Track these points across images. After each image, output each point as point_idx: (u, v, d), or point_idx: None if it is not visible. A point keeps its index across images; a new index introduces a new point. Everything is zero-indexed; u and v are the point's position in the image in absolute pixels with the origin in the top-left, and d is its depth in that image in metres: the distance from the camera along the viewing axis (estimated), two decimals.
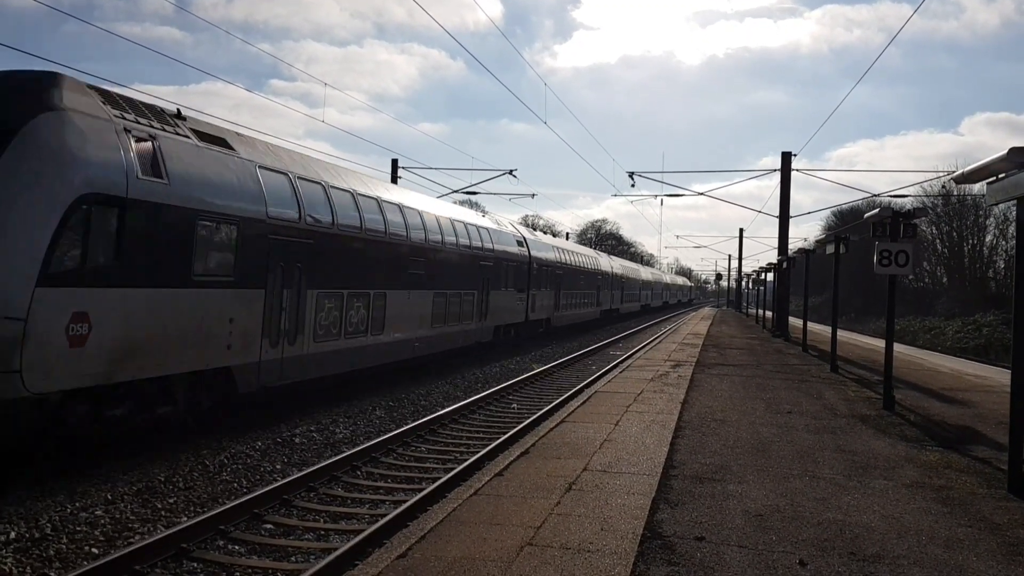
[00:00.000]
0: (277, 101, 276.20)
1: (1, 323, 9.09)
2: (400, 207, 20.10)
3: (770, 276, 46.01)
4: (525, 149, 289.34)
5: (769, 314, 46.69)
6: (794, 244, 44.83)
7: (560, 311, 38.39)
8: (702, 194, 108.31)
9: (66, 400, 10.12)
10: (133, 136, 10.97)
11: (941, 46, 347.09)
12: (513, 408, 17.73)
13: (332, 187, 16.49)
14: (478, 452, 12.59)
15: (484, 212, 33.37)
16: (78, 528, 8.56)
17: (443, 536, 6.54)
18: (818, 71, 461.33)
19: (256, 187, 13.55)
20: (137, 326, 10.83)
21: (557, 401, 17.52)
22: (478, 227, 26.85)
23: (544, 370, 24.19)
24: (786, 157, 35.64)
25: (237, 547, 8.43)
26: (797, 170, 35.96)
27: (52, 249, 9.55)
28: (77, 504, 9.21)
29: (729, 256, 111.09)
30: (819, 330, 40.93)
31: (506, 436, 13.63)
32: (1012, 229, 56.65)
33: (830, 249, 20.17)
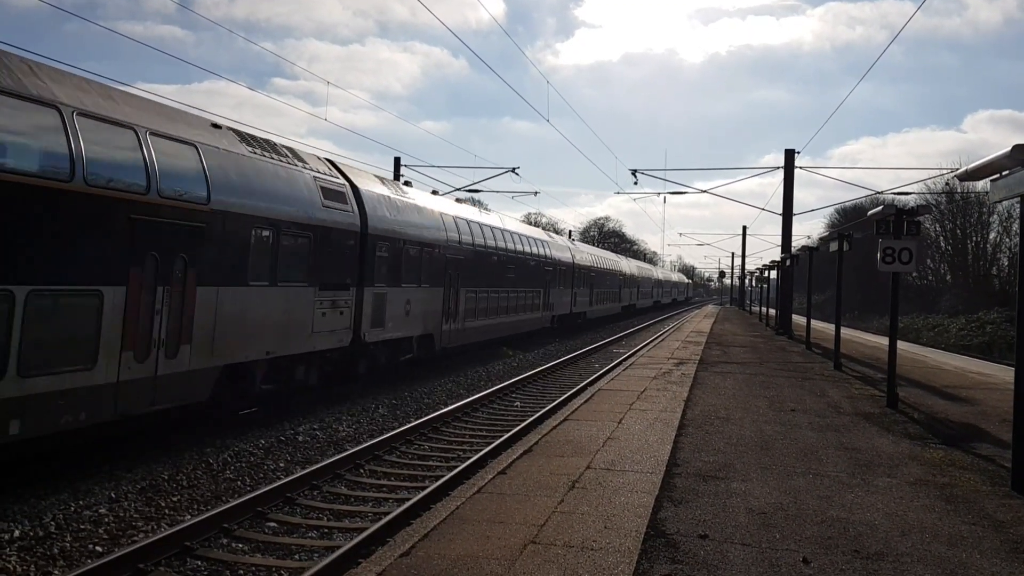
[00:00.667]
0: (280, 100, 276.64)
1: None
2: (508, 232, 30.15)
3: (773, 274, 45.94)
4: (527, 147, 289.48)
5: (772, 312, 46.64)
6: (797, 242, 44.79)
7: (593, 305, 46.44)
8: (705, 191, 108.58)
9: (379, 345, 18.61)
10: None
11: (944, 43, 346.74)
12: (516, 406, 17.73)
13: (476, 222, 26.42)
14: (481, 450, 12.59)
15: (563, 231, 43.41)
16: (82, 526, 8.58)
17: (446, 534, 6.54)
18: (820, 68, 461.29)
19: (454, 230, 23.66)
20: (400, 309, 19.50)
21: (560, 399, 17.52)
22: (543, 241, 36.23)
23: (547, 368, 24.20)
24: (789, 155, 35.56)
25: (241, 545, 8.44)
26: (800, 167, 35.89)
27: None
28: (81, 502, 9.23)
29: (732, 254, 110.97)
30: (822, 328, 40.87)
31: (509, 434, 13.64)
32: (1016, 226, 56.53)
33: (834, 247, 20.15)
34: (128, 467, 10.81)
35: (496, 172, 38.68)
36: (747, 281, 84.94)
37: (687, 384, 16.47)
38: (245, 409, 14.32)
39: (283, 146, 15.66)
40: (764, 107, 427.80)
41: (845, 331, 26.91)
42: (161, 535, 8.05)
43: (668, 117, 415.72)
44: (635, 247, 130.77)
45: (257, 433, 13.26)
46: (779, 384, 17.27)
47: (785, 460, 9.65)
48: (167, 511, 9.38)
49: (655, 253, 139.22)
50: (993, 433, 12.02)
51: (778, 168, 36.54)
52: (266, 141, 15.04)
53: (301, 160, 15.79)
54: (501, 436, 13.64)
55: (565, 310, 38.83)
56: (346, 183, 17.39)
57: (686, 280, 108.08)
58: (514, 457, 9.46)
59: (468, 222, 25.38)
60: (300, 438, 13.24)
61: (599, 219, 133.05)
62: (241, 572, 7.72)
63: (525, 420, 15.10)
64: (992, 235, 66.12)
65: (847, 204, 70.81)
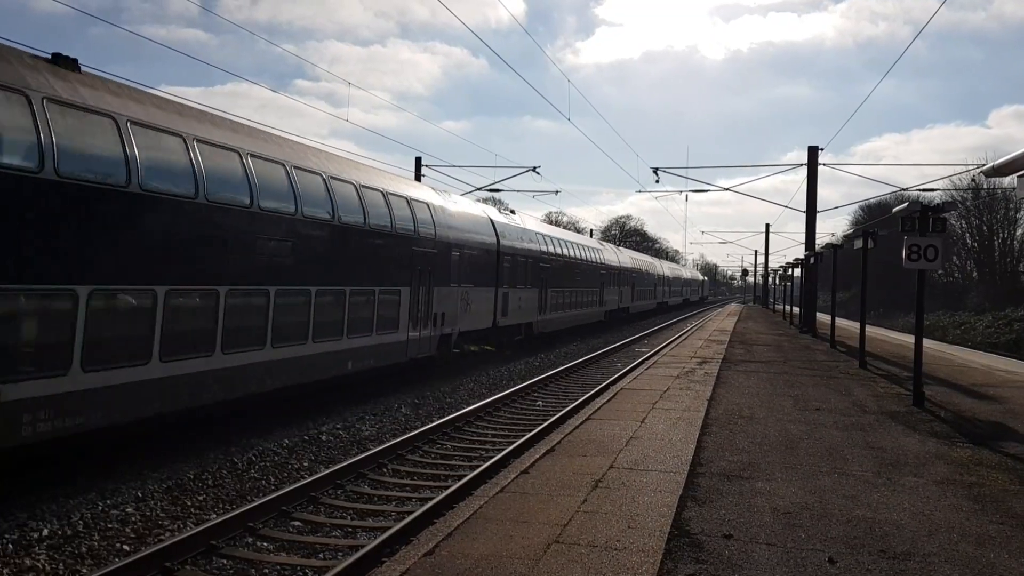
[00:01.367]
0: (302, 101, 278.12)
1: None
2: (575, 243, 38.92)
3: (797, 272, 45.58)
4: (548, 146, 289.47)
5: (796, 310, 46.30)
6: (821, 239, 44.48)
7: (634, 301, 54.63)
8: (727, 189, 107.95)
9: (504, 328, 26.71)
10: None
11: (968, 38, 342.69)
12: (538, 405, 17.73)
13: (557, 238, 35.25)
14: (504, 449, 12.61)
15: (584, 230, 56.17)
16: (109, 525, 8.67)
17: (469, 533, 6.54)
18: (842, 65, 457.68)
19: (544, 244, 31.78)
20: (517, 304, 27.43)
21: (582, 399, 17.50)
22: (596, 248, 44.53)
23: (568, 367, 24.17)
24: (813, 152, 35.29)
25: (265, 544, 8.50)
26: (824, 164, 35.66)
27: None
28: (108, 502, 9.32)
29: (756, 252, 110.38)
30: (847, 326, 40.54)
31: (532, 433, 13.63)
32: None
33: (858, 244, 19.97)
34: (154, 466, 10.91)
35: (517, 171, 38.73)
36: (770, 279, 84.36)
37: (710, 383, 16.39)
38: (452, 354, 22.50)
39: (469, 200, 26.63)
40: (786, 104, 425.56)
41: (870, 329, 26.68)
42: (187, 534, 8.12)
43: (689, 115, 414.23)
44: (657, 245, 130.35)
45: (281, 433, 13.34)
46: (803, 383, 17.15)
47: (810, 459, 9.58)
48: (193, 510, 9.46)
49: (677, 251, 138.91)
50: (1021, 432, 11.88)
51: (801, 165, 36.29)
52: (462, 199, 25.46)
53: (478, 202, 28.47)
54: (523, 435, 13.64)
55: (614, 306, 47.00)
56: (487, 216, 25.97)
57: (700, 277, 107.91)
58: (537, 456, 9.46)
59: (551, 238, 33.91)
60: (323, 437, 13.31)
61: (620, 217, 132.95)
62: (266, 571, 7.76)
63: (548, 419, 15.10)
64: (1019, 231, 65.44)
65: (871, 201, 70.25)
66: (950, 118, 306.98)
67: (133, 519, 8.92)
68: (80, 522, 8.62)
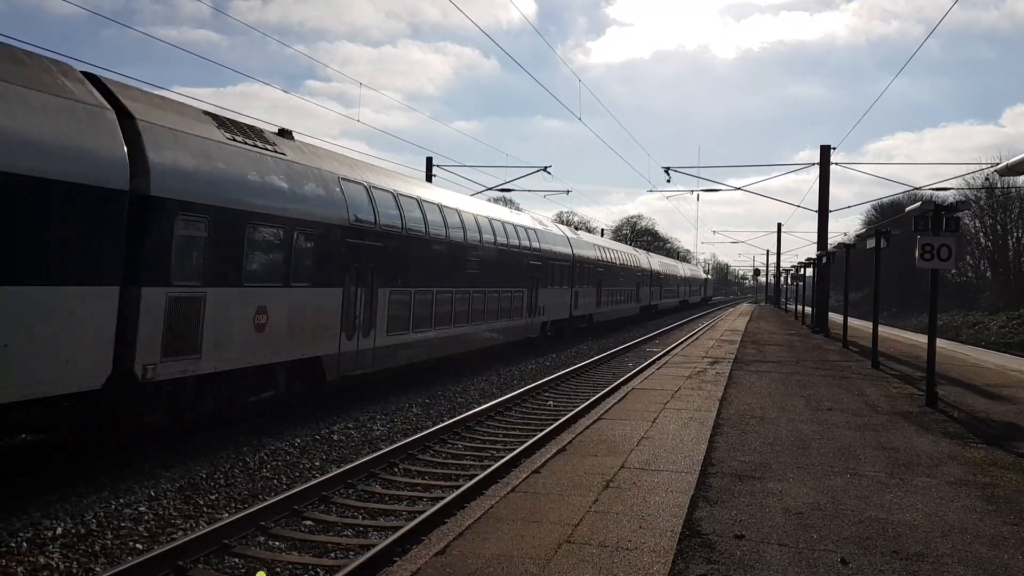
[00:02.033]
0: (313, 101, 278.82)
1: None
2: (618, 250, 47.07)
3: (809, 271, 45.43)
4: (559, 145, 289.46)
5: (808, 310, 46.13)
6: (833, 239, 44.31)
7: (661, 300, 63.30)
8: (739, 189, 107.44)
9: (575, 318, 35.15)
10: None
11: (981, 37, 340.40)
12: (549, 405, 17.72)
13: (608, 247, 44.00)
14: (515, 449, 12.60)
15: (595, 230, 70.52)
16: (122, 524, 8.71)
17: (481, 533, 6.55)
18: (855, 64, 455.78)
19: (601, 251, 40.94)
20: (585, 300, 36.16)
21: (594, 398, 17.48)
22: (635, 255, 53.79)
23: (579, 367, 24.15)
24: (825, 151, 35.17)
25: (277, 543, 8.52)
26: (836, 164, 35.58)
27: None
28: (121, 500, 9.37)
29: (767, 251, 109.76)
30: (859, 326, 40.38)
31: (543, 433, 13.63)
32: None
33: (871, 243, 19.88)
34: (167, 465, 10.96)
35: (528, 171, 38.87)
36: (782, 279, 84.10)
37: (722, 383, 16.35)
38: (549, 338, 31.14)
39: (553, 222, 36.52)
40: (798, 103, 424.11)
41: (883, 329, 26.55)
42: (200, 533, 8.15)
43: (701, 114, 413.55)
44: (668, 245, 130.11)
45: (293, 432, 13.38)
46: (816, 383, 17.09)
47: (822, 460, 9.54)
48: (205, 509, 9.49)
49: (688, 251, 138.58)
50: None
51: (813, 164, 36.18)
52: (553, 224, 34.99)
53: (558, 224, 38.14)
54: (534, 435, 13.64)
55: (647, 302, 56.18)
56: (564, 234, 34.60)
57: (702, 275, 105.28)
58: (548, 456, 9.45)
59: (604, 247, 42.99)
60: (335, 437, 13.34)
61: (631, 217, 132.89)
62: (278, 570, 7.78)
63: (559, 419, 15.09)
64: None
65: (884, 200, 69.92)
66: (963, 117, 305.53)
67: (146, 518, 8.96)
68: (93, 520, 8.66)
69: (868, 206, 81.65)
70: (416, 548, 6.50)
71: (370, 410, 15.76)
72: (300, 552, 8.32)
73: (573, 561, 5.89)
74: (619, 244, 57.41)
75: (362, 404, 16.27)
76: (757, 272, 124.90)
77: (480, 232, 22.51)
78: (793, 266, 57.85)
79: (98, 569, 7.56)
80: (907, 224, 15.01)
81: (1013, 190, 62.73)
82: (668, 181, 36.31)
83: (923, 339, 19.12)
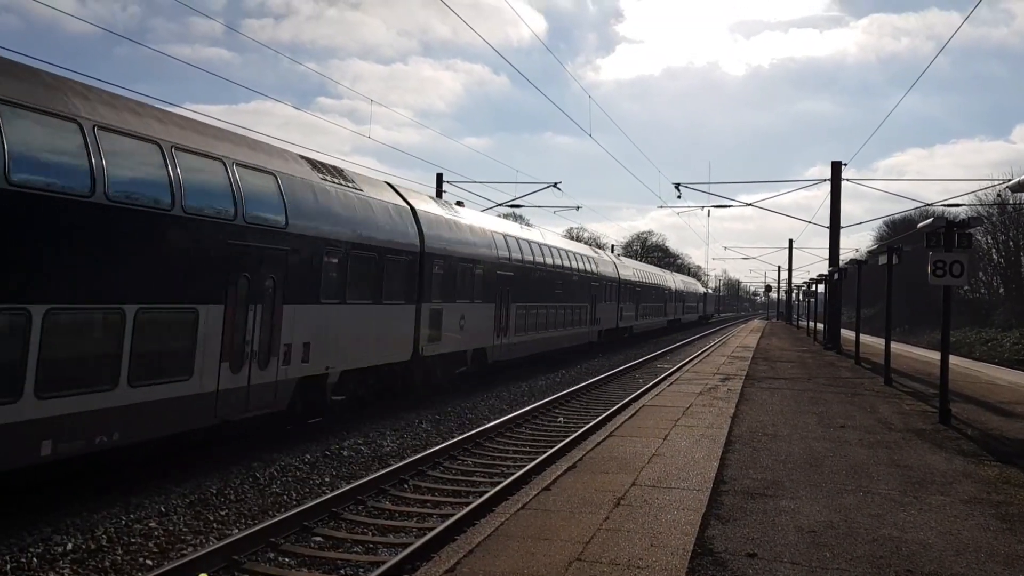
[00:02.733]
0: (324, 118, 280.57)
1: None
2: (648, 271, 56.63)
3: (821, 288, 45.24)
4: (569, 161, 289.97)
5: (820, 326, 45.93)
6: (845, 255, 44.18)
7: (682, 315, 71.06)
8: (750, 204, 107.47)
9: (616, 329, 43.06)
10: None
11: (991, 53, 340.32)
12: (559, 422, 17.68)
13: (643, 270, 54.09)
14: (525, 466, 12.57)
15: (605, 246, 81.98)
16: (133, 540, 8.72)
17: (491, 550, 6.52)
18: (865, 80, 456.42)
19: (636, 275, 49.11)
20: (628, 312, 45.53)
21: (604, 415, 17.43)
22: (662, 275, 61.91)
23: (590, 384, 24.10)
24: (836, 167, 35.09)
25: (287, 559, 8.51)
26: (847, 180, 35.43)
27: None
28: (132, 516, 9.38)
29: (779, 267, 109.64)
30: (871, 342, 40.17)
31: (553, 450, 13.58)
32: None
33: (883, 260, 19.81)
34: (177, 481, 10.97)
35: (538, 187, 38.88)
36: (794, 295, 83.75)
37: (733, 400, 16.28)
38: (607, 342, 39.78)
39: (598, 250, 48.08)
40: (808, 119, 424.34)
41: (895, 346, 26.39)
42: (209, 549, 8.15)
43: (711, 130, 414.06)
44: (679, 261, 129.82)
45: (303, 448, 13.38)
46: (828, 400, 16.99)
47: (835, 477, 9.48)
48: (215, 525, 9.49)
49: (699, 267, 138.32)
50: None
51: (824, 180, 36.08)
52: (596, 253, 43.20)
53: (606, 251, 54.45)
54: (545, 452, 13.60)
55: (671, 317, 63.52)
56: (612, 259, 42.61)
57: (701, 290, 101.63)
58: (558, 473, 9.42)
59: (641, 270, 51.76)
60: (345, 453, 13.34)
61: (642, 233, 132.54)
62: None
63: (569, 436, 15.04)
64: None
65: (895, 216, 69.71)
66: (974, 133, 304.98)
67: (156, 533, 8.97)
68: (104, 536, 8.67)
69: (880, 222, 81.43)
70: (426, 565, 6.48)
71: (380, 426, 15.75)
72: (310, 568, 8.30)
73: None
74: (651, 267, 66.13)
75: (372, 420, 16.26)
76: (768, 288, 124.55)
77: (563, 260, 31.52)
78: (805, 282, 57.69)
79: None
80: (919, 240, 14.96)
81: None
82: (679, 197, 36.70)
83: (936, 356, 19.00)
